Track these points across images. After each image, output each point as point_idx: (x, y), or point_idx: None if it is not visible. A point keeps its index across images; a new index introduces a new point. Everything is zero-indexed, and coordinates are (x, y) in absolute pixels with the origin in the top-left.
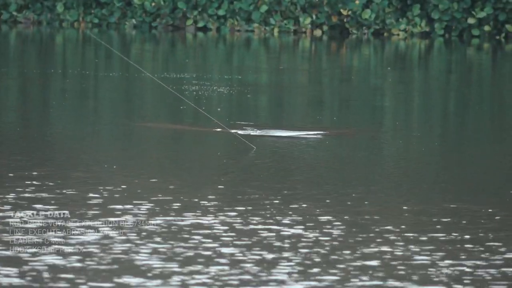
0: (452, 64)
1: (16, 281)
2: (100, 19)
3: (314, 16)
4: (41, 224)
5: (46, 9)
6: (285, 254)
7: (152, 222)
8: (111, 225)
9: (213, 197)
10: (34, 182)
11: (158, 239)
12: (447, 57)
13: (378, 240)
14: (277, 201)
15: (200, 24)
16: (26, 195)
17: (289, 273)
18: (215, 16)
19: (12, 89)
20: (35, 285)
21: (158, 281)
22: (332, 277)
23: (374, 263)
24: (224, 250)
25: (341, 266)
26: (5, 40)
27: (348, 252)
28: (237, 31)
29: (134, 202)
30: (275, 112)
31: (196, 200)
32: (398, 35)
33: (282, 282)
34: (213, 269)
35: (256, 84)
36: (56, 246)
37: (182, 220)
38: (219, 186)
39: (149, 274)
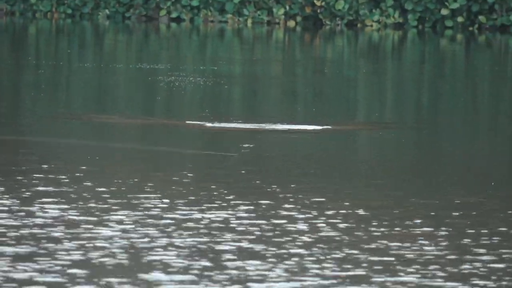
0: (425, 55)
1: (34, 274)
2: (73, 9)
3: (287, 7)
4: (56, 220)
5: None
6: (306, 249)
7: (169, 215)
8: (127, 220)
9: (223, 190)
10: (40, 176)
11: (175, 234)
12: (420, 48)
13: (390, 234)
14: (290, 194)
15: (174, 15)
16: (39, 188)
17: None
18: (188, 7)
19: None
20: (55, 280)
21: (180, 277)
22: (351, 272)
23: (391, 258)
24: (245, 244)
25: (363, 264)
26: None
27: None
28: (210, 21)
29: (146, 195)
30: (253, 104)
31: (205, 193)
32: (371, 26)
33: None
34: (233, 264)
35: (231, 75)
36: (75, 242)
37: (195, 214)
38: (227, 180)
39: (170, 270)
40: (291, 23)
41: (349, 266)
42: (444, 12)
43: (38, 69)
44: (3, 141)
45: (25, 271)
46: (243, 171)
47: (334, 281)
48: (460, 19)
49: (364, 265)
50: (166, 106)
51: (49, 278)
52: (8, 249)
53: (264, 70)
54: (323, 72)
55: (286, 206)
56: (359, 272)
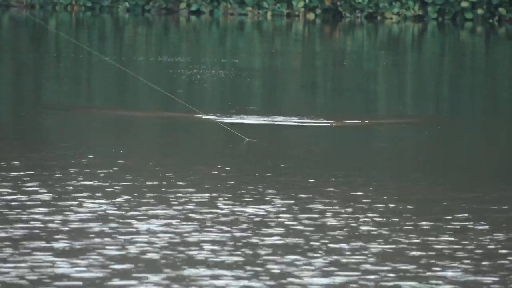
0: (445, 47)
1: (69, 270)
2: (93, 2)
3: (307, 0)
4: (95, 214)
5: None
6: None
7: (208, 210)
8: (165, 214)
9: (261, 185)
10: (77, 170)
11: (215, 228)
12: (440, 41)
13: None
14: (338, 190)
15: (194, 8)
16: (76, 183)
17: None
18: (208, 0)
19: (5, 73)
20: (93, 275)
21: (221, 271)
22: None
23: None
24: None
25: (405, 258)
26: None
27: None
28: (230, 14)
29: (183, 190)
30: (275, 98)
31: (243, 187)
32: (391, 18)
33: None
34: (273, 258)
35: (251, 68)
36: (115, 237)
37: (234, 208)
38: (264, 174)
39: (210, 264)
40: (311, 16)
41: (390, 261)
42: (464, 4)
43: (59, 63)
44: (36, 136)
45: (64, 266)
46: (282, 165)
47: (376, 276)
48: (480, 11)
49: (406, 259)
50: (188, 99)
51: (87, 274)
52: (48, 244)
53: (284, 63)
54: (343, 65)
55: (326, 200)
56: (402, 266)
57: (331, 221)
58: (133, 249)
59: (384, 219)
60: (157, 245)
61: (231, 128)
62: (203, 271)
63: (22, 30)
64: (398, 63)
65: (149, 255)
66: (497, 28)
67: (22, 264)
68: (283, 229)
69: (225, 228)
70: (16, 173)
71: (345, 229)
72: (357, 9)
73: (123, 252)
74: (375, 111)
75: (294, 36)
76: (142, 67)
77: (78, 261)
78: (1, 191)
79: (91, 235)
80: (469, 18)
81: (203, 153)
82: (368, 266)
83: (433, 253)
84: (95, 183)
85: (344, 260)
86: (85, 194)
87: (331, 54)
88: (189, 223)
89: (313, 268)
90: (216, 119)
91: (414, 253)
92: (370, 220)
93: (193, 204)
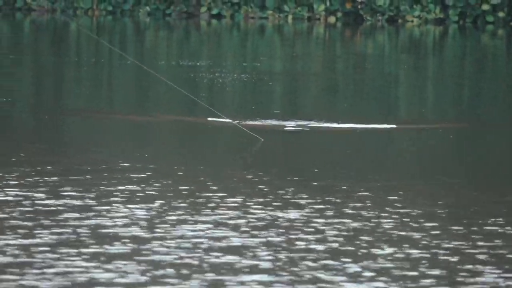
0: (466, 50)
1: (114, 275)
2: (114, 6)
3: (328, 3)
4: (132, 219)
5: None
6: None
7: (244, 215)
8: (201, 219)
9: (294, 189)
10: (111, 175)
11: (247, 234)
12: (461, 44)
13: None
14: (370, 194)
15: (214, 11)
16: (110, 188)
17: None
18: (229, 3)
19: (26, 77)
20: (122, 281)
21: (258, 276)
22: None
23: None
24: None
25: (441, 264)
26: (19, 28)
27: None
28: (251, 18)
29: (216, 194)
30: (299, 101)
31: (277, 192)
32: (412, 21)
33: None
34: (307, 264)
35: (273, 71)
36: (143, 245)
37: (270, 213)
38: (297, 178)
39: (248, 270)
40: (332, 19)
41: (427, 267)
42: (485, 7)
43: (80, 67)
44: (63, 140)
45: (106, 271)
46: (316, 170)
47: (408, 281)
48: (501, 14)
49: (438, 264)
50: (210, 103)
51: (122, 279)
52: (82, 250)
53: (305, 67)
54: (365, 68)
55: (357, 204)
56: (436, 272)
57: (363, 226)
58: (169, 255)
59: (417, 224)
60: (193, 250)
61: (249, 130)
62: (238, 276)
63: (44, 33)
64: (419, 66)
65: (186, 260)
66: None
67: (56, 270)
68: (315, 234)
69: (258, 232)
70: (51, 178)
71: (377, 234)
72: (378, 12)
73: (158, 258)
74: (399, 115)
75: (315, 40)
76: (164, 71)
77: (112, 267)
78: (36, 196)
79: (126, 240)
80: (490, 21)
81: (232, 157)
82: (399, 272)
83: (465, 258)
84: (129, 187)
85: (376, 265)
86: (119, 199)
87: (352, 57)
88: (223, 228)
89: (345, 273)
90: (237, 122)
91: (445, 258)
92: (402, 224)
93: (226, 208)
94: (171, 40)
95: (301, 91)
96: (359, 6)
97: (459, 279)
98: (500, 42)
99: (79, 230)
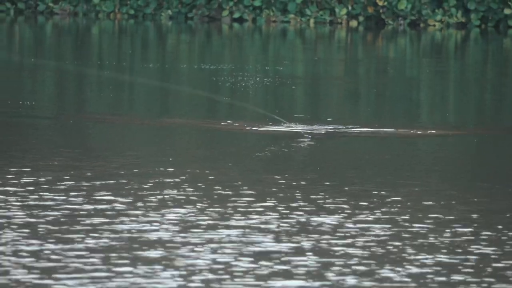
0: (489, 54)
1: (144, 281)
2: (136, 10)
3: (350, 7)
4: (172, 223)
5: (82, 0)
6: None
7: (282, 219)
8: (238, 224)
9: (331, 193)
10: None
11: (285, 239)
12: (484, 48)
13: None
14: (403, 199)
15: (236, 15)
16: (147, 192)
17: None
18: (251, 7)
19: (48, 80)
20: (163, 287)
21: (298, 282)
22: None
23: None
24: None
25: (483, 272)
26: (42, 31)
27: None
28: (273, 22)
29: (251, 199)
30: (323, 106)
31: (314, 197)
32: (434, 25)
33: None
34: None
35: (295, 75)
36: (211, 245)
37: (307, 218)
38: (334, 183)
39: (286, 275)
40: (353, 23)
41: (459, 273)
42: (507, 11)
43: (102, 70)
44: (91, 144)
45: (139, 276)
46: (350, 175)
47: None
48: None
49: (474, 271)
50: (231, 108)
51: (163, 286)
52: (121, 254)
53: (328, 70)
54: (388, 72)
55: (391, 210)
56: (469, 279)
57: (395, 231)
58: (201, 259)
59: (449, 229)
60: (225, 255)
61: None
62: (270, 282)
63: (66, 37)
64: (441, 70)
65: (218, 266)
66: None
67: (91, 274)
68: (347, 239)
69: (296, 238)
70: (88, 183)
71: (409, 239)
72: (400, 16)
73: (191, 262)
74: (422, 120)
75: (337, 44)
76: (186, 74)
77: (145, 272)
78: (73, 200)
79: (168, 244)
80: None
81: (263, 161)
82: (431, 277)
83: (498, 264)
84: (165, 192)
85: (407, 271)
86: (156, 204)
87: (374, 61)
88: (263, 233)
89: (375, 278)
90: (268, 127)
91: (478, 264)
92: (434, 229)
93: (264, 213)
94: (193, 44)
95: (323, 95)
96: (381, 10)
97: (493, 286)
98: None
99: (112, 236)
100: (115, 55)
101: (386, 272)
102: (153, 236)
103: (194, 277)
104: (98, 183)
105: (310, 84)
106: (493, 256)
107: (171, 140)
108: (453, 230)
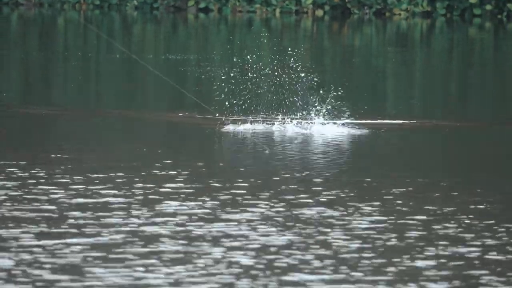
0: (454, 43)
1: (154, 277)
2: (101, 0)
3: None
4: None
5: None
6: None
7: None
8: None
9: (346, 190)
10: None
11: (311, 231)
12: (449, 37)
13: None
14: (437, 195)
15: (202, 5)
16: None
17: None
18: None
19: (13, 71)
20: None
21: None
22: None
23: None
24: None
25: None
26: (7, 22)
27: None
28: (238, 11)
29: (267, 194)
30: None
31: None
32: (399, 14)
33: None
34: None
35: (260, 66)
36: (192, 246)
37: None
38: (357, 184)
39: (309, 270)
40: (319, 13)
41: (478, 267)
42: (473, 0)
43: (68, 61)
44: (77, 138)
45: (151, 272)
46: (358, 166)
47: (464, 283)
48: (488, 7)
49: (493, 264)
50: (205, 99)
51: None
52: (136, 250)
53: (294, 61)
54: (352, 62)
55: (410, 202)
56: (487, 272)
57: (415, 224)
58: (224, 254)
59: (467, 221)
60: (256, 250)
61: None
62: (304, 276)
63: (32, 28)
64: (407, 59)
65: (247, 261)
66: (506, 24)
67: (107, 271)
68: (380, 235)
69: (326, 237)
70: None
71: (427, 232)
72: (366, 6)
73: (206, 257)
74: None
75: (303, 33)
76: (152, 65)
77: (163, 268)
78: (72, 194)
79: (181, 240)
80: (478, 14)
81: (278, 158)
82: (450, 271)
83: None
84: (174, 185)
85: (426, 264)
86: (161, 197)
87: (340, 50)
88: (287, 232)
89: (430, 275)
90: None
91: (497, 257)
92: (455, 223)
93: (282, 208)
94: (158, 34)
95: (290, 85)
96: (346, 0)
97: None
98: (488, 35)
99: (123, 229)
100: (81, 46)
101: (410, 266)
102: (164, 229)
103: (209, 270)
104: (103, 176)
105: (275, 75)
106: None
107: (166, 134)
108: (471, 223)
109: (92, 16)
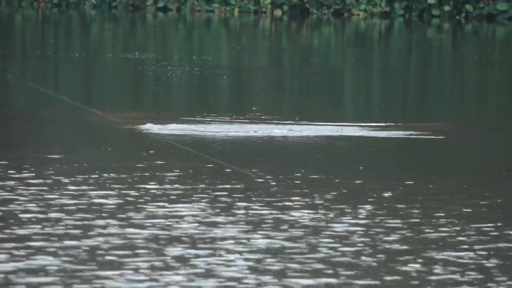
0: (412, 44)
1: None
2: None
3: None
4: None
5: None
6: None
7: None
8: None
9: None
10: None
11: (322, 234)
12: (407, 37)
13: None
14: (395, 195)
15: (160, 4)
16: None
17: None
18: None
19: None
20: (191, 284)
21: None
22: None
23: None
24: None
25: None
26: None
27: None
28: (197, 11)
29: (280, 196)
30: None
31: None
32: (358, 15)
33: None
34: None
35: (219, 66)
36: (197, 247)
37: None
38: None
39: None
40: (278, 12)
41: (478, 270)
42: (431, 1)
43: (25, 59)
44: (54, 137)
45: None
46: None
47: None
48: (447, 8)
49: (500, 268)
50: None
51: (190, 283)
52: (142, 251)
53: (252, 61)
54: (311, 62)
55: (416, 204)
56: (498, 274)
57: (423, 226)
58: (235, 255)
59: (471, 225)
60: (270, 255)
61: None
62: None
63: None
64: (365, 60)
65: (262, 266)
66: (464, 25)
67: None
68: (398, 236)
69: (339, 245)
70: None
71: (434, 235)
72: (324, 6)
73: (221, 260)
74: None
75: (261, 33)
76: (110, 64)
77: (175, 271)
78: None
79: (186, 241)
80: (436, 15)
81: (291, 161)
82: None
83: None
84: (168, 186)
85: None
86: (150, 198)
87: (298, 51)
88: (301, 229)
89: (402, 273)
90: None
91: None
92: (460, 226)
93: (300, 210)
94: (116, 33)
95: (248, 86)
96: (305, 0)
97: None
98: (446, 35)
99: (126, 230)
100: (38, 45)
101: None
102: (164, 231)
103: (223, 274)
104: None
105: (233, 75)
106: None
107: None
108: (476, 225)
109: (50, 15)
